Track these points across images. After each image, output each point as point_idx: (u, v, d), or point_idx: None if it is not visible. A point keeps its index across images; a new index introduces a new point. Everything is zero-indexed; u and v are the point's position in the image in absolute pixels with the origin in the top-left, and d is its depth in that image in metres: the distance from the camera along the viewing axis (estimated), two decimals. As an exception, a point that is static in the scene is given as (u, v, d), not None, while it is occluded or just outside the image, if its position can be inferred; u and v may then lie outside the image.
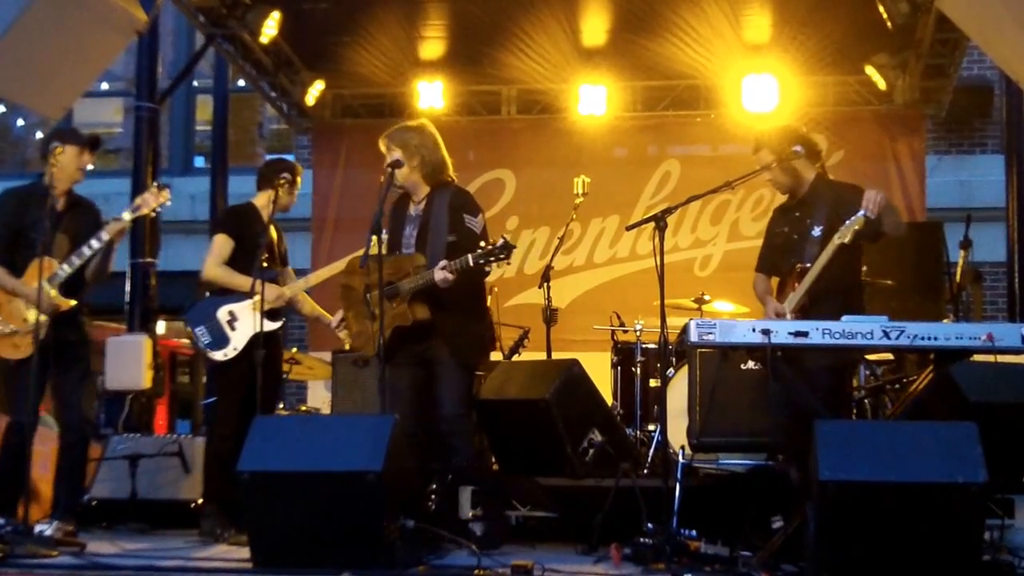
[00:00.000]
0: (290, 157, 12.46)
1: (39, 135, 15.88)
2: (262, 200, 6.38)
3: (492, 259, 5.30)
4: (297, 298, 6.51)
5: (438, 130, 10.50)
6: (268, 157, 10.89)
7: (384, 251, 5.49)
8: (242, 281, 6.16)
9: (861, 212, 5.09)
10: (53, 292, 5.81)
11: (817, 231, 5.36)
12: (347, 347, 7.12)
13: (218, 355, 6.19)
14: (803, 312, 5.25)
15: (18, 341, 5.80)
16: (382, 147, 5.74)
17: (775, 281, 5.68)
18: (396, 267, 5.55)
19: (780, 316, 5.34)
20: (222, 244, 6.28)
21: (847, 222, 5.13)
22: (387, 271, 5.47)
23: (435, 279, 5.38)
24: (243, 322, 6.17)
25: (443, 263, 5.39)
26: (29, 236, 5.86)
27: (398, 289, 5.52)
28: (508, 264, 5.57)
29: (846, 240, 5.11)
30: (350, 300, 5.86)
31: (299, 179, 6.49)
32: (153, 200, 6.09)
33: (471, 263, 5.31)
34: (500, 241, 5.29)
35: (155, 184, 6.37)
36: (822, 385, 5.23)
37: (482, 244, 5.34)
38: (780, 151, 5.52)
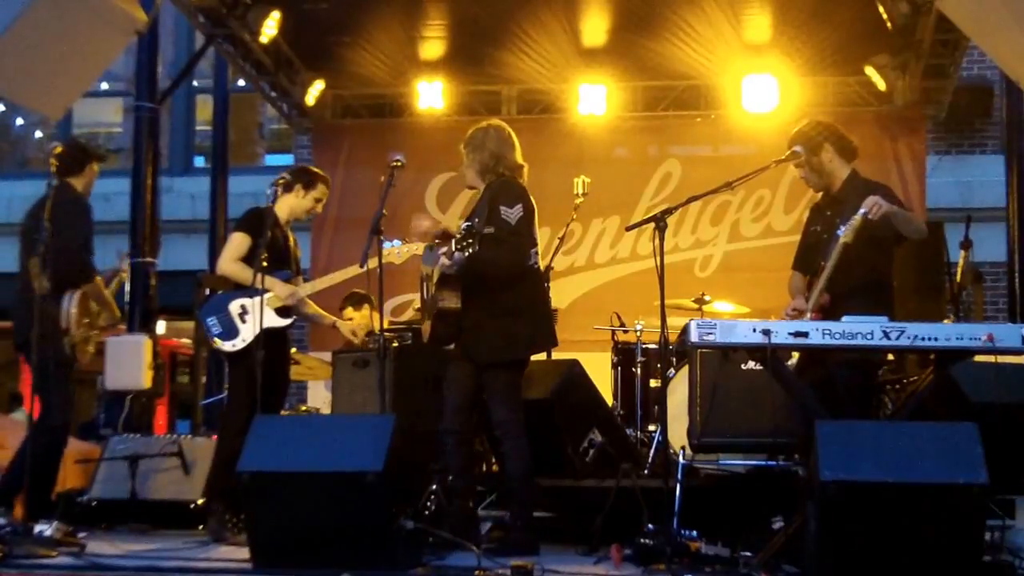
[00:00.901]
0: (290, 157, 12.51)
1: (38, 134, 15.87)
2: (281, 205, 6.42)
3: (462, 246, 5.26)
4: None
5: (436, 129, 10.54)
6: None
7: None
8: (262, 280, 6.18)
9: (861, 211, 5.06)
10: None
11: (842, 230, 5.23)
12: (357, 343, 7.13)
13: (227, 345, 6.21)
14: (823, 311, 5.20)
15: (92, 348, 6.24)
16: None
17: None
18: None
19: (798, 313, 5.32)
20: (239, 241, 6.29)
21: (848, 222, 5.10)
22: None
23: (443, 267, 5.39)
24: (254, 316, 6.20)
25: (443, 249, 5.38)
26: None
27: (432, 277, 5.57)
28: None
29: (848, 240, 5.08)
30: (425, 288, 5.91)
31: (320, 185, 6.49)
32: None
33: (454, 248, 5.28)
34: (463, 224, 5.25)
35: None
36: (845, 383, 5.19)
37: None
38: (811, 148, 5.49)
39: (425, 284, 5.80)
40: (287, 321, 6.32)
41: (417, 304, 6.57)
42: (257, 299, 6.06)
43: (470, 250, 5.28)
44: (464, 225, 5.25)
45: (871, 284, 5.33)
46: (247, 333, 6.16)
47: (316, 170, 6.66)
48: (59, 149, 6.32)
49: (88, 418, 9.83)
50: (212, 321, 6.24)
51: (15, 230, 6.42)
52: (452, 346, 5.74)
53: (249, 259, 6.23)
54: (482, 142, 5.69)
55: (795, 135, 5.58)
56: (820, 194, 5.65)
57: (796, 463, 5.53)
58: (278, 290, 6.20)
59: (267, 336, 6.06)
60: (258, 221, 6.26)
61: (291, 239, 6.52)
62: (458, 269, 5.39)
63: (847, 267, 5.13)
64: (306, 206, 6.49)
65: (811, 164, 5.50)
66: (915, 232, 5.33)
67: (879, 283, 5.40)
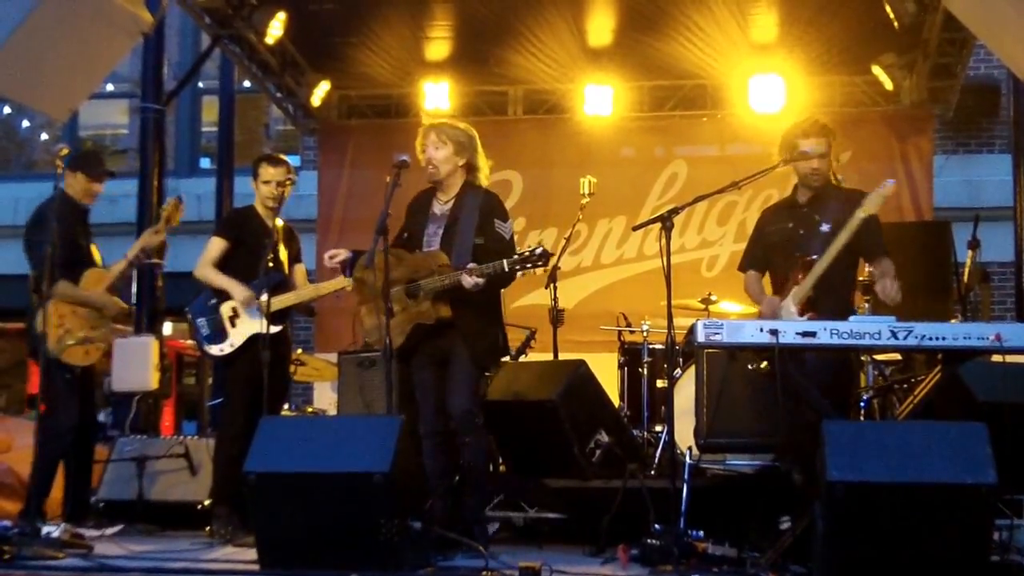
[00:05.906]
0: (295, 158, 12.50)
1: (44, 136, 15.88)
2: (256, 200, 6.43)
3: (529, 266, 5.31)
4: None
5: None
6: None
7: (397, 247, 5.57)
8: (227, 284, 6.24)
9: (890, 181, 5.17)
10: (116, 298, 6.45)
11: (826, 227, 5.37)
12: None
13: (214, 349, 6.23)
14: (810, 304, 5.23)
15: (89, 348, 6.27)
16: (429, 138, 5.66)
17: (767, 279, 5.72)
18: (416, 265, 5.55)
19: (776, 312, 5.33)
20: (213, 246, 6.36)
21: (875, 191, 5.16)
22: (407, 268, 5.54)
23: (465, 284, 5.35)
24: (244, 320, 6.20)
25: (471, 266, 5.36)
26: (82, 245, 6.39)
27: (420, 287, 5.51)
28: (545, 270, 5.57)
29: (872, 211, 5.16)
30: (364, 294, 5.75)
31: (259, 170, 6.38)
32: (177, 212, 6.59)
33: (506, 268, 5.31)
34: (539, 249, 5.31)
35: (175, 198, 6.76)
36: (823, 384, 5.20)
37: (519, 251, 5.36)
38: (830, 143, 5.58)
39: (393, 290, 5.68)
40: (277, 328, 6.25)
41: None
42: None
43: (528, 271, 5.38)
44: (540, 251, 5.32)
45: (847, 282, 5.51)
46: (235, 338, 6.17)
47: (260, 155, 6.62)
48: (65, 151, 6.15)
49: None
50: (201, 322, 6.26)
51: (21, 232, 6.43)
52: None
53: (232, 262, 6.27)
54: (469, 142, 5.71)
55: (823, 128, 5.59)
56: (779, 193, 5.76)
57: (791, 465, 5.50)
58: (235, 293, 6.19)
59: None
60: (234, 222, 6.29)
61: (277, 234, 6.33)
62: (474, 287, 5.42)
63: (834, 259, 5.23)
64: (265, 193, 6.37)
65: (824, 160, 5.54)
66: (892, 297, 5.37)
67: (852, 280, 5.62)
